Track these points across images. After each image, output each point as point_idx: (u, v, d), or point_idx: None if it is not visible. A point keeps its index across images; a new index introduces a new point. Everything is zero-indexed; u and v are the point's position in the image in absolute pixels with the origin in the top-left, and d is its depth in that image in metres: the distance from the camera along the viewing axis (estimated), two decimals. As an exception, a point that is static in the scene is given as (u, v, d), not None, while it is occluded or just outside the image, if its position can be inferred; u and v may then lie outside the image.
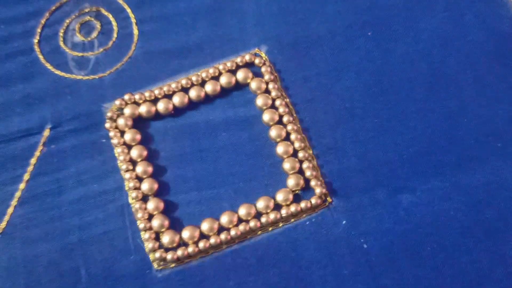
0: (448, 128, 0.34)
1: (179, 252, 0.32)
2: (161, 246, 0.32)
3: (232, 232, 0.32)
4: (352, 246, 0.32)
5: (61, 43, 0.38)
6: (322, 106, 0.36)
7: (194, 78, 0.36)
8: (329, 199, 0.33)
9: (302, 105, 0.36)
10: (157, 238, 0.33)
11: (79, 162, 0.34)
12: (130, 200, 0.33)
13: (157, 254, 0.32)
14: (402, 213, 0.33)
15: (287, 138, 0.35)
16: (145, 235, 0.32)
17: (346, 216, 0.33)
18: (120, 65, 0.37)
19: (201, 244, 0.32)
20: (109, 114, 0.35)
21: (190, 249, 0.32)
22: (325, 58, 0.37)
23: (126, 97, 0.36)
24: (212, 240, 0.32)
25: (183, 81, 0.36)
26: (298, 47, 0.37)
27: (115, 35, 0.38)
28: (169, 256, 0.32)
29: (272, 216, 0.33)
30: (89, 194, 0.34)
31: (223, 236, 0.32)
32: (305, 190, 0.34)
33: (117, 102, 0.35)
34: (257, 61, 0.36)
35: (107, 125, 0.35)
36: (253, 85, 0.36)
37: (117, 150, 0.34)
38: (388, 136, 0.35)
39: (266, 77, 0.36)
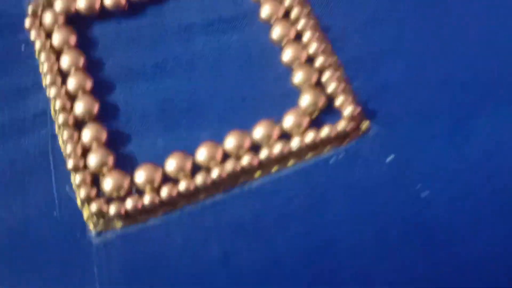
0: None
1: (129, 204, 0.20)
2: (100, 195, 0.20)
3: (214, 173, 0.20)
4: (403, 196, 0.20)
5: None
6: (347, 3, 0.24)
7: (159, -39, 0.24)
8: (365, 123, 0.22)
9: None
10: (96, 183, 0.21)
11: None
12: (57, 130, 0.22)
13: (94, 207, 0.20)
14: (471, 150, 0.21)
15: (298, 40, 0.23)
16: (76, 178, 0.20)
17: (391, 150, 0.21)
18: None
19: (165, 192, 0.20)
20: (31, 8, 0.23)
21: (147, 198, 0.20)
22: None
23: (58, -16, 0.24)
24: (183, 185, 0.20)
25: (143, -35, 0.24)
26: None
27: None
28: (112, 209, 0.20)
29: (276, 148, 0.21)
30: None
31: (199, 178, 0.20)
32: (327, 114, 0.22)
33: (44, -9, 0.24)
34: None
35: (27, 23, 0.23)
36: (246, -31, 0.24)
37: (41, 57, 0.23)
38: (445, 44, 0.23)
39: (265, -42, 0.24)
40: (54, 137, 0.22)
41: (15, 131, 0.22)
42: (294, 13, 0.23)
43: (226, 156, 0.21)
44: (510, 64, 0.22)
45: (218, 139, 0.21)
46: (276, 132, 0.21)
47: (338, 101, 0.22)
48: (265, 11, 0.23)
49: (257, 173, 0.21)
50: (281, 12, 0.23)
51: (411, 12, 0.23)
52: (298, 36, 0.23)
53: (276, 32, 0.23)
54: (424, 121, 0.22)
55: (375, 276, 0.20)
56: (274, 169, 0.21)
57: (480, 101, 0.22)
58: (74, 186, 0.20)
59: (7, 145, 0.21)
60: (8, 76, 0.23)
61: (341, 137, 0.21)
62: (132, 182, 0.20)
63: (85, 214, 0.20)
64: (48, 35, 0.23)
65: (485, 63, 0.22)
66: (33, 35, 0.23)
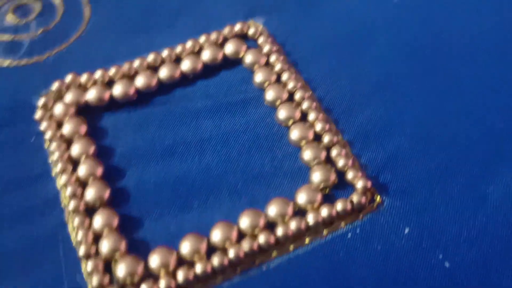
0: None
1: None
2: (114, 282, 0.19)
3: (231, 254, 0.20)
4: (426, 266, 0.20)
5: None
6: (346, 80, 0.25)
7: (165, 54, 0.26)
8: (377, 197, 0.22)
9: (317, 81, 0.25)
10: (108, 269, 0.20)
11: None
12: (67, 216, 0.21)
13: (107, 295, 0.19)
14: (491, 211, 0.21)
15: (303, 121, 0.24)
16: (88, 266, 0.19)
17: (407, 221, 0.21)
18: (64, 47, 0.27)
19: (181, 275, 0.19)
20: (41, 101, 0.24)
21: (163, 283, 0.19)
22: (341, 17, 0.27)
23: (68, 78, 0.25)
24: (199, 268, 0.20)
25: (150, 58, 0.26)
26: (304, 11, 0.28)
27: (59, 14, 0.28)
28: None
29: (292, 225, 0.21)
30: (6, 212, 0.21)
31: (216, 260, 0.20)
32: (339, 189, 0.22)
33: (55, 85, 0.25)
34: (251, 31, 0.27)
35: (38, 114, 0.24)
36: (249, 58, 0.26)
37: (51, 146, 0.23)
38: (450, 105, 0.24)
39: (266, 48, 0.26)
40: (64, 225, 0.21)
41: (24, 219, 0.21)
42: (297, 96, 0.24)
43: (241, 236, 0.21)
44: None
45: (232, 219, 0.21)
46: (290, 209, 0.21)
47: (350, 175, 0.22)
48: (269, 95, 0.24)
49: (274, 253, 0.20)
50: (285, 96, 0.24)
51: (412, 81, 0.25)
52: (303, 116, 0.24)
53: (282, 114, 0.24)
54: (433, 189, 0.22)
55: None
56: (291, 247, 0.20)
57: (492, 162, 0.22)
58: (85, 275, 0.19)
59: (17, 232, 0.21)
60: (18, 165, 0.23)
61: (356, 210, 0.21)
62: (145, 267, 0.20)
63: (97, 303, 0.19)
64: (59, 125, 0.24)
65: (493, 124, 0.23)
66: (43, 126, 0.23)
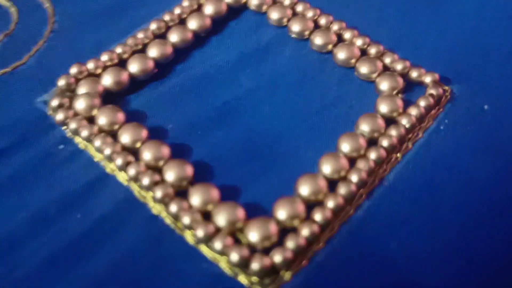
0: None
1: (290, 245, 0.17)
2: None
3: (361, 175, 0.18)
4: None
5: None
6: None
7: (167, 18, 0.23)
8: (446, 87, 0.22)
9: (328, 7, 0.24)
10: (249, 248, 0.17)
11: (36, 195, 0.18)
12: (155, 209, 0.18)
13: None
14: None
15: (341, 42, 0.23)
16: (215, 246, 0.17)
17: (481, 99, 0.21)
18: (41, 43, 0.23)
19: (319, 216, 0.17)
20: (55, 101, 0.20)
21: (305, 233, 0.17)
22: None
23: (73, 69, 0.21)
24: (331, 203, 0.18)
25: (153, 26, 0.23)
26: None
27: (13, 13, 0.24)
28: (277, 258, 0.16)
29: (394, 133, 0.20)
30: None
31: (342, 190, 0.18)
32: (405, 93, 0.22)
33: (61, 82, 0.21)
34: (241, -24, 0.25)
35: (59, 116, 0.20)
36: (255, 0, 0.24)
37: (95, 144, 0.19)
38: None
39: (266, -13, 0.24)
40: (155, 219, 0.18)
41: (107, 233, 0.17)
42: (323, 22, 0.23)
43: (352, 162, 0.19)
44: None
45: (329, 148, 0.19)
46: (381, 122, 0.20)
47: (414, 74, 0.21)
48: (296, 27, 0.23)
49: (388, 167, 0.19)
50: (311, 24, 0.23)
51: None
52: (339, 38, 0.23)
53: (319, 40, 0.22)
54: (490, 68, 0.22)
55: None
56: (399, 156, 0.19)
57: None
58: (228, 262, 0.17)
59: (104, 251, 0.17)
60: (66, 182, 0.19)
61: (435, 104, 0.21)
62: (278, 223, 0.17)
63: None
64: (89, 120, 0.20)
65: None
66: (73, 125, 0.19)
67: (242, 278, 0.17)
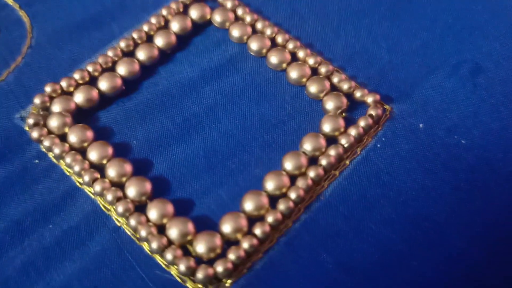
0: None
1: (232, 257, 0.19)
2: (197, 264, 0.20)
3: (292, 196, 0.21)
4: (447, 148, 0.23)
5: None
6: (311, 20, 0.26)
7: (136, 35, 0.25)
8: (386, 106, 0.24)
9: (287, 23, 0.26)
10: (187, 254, 0.20)
11: (12, 207, 0.21)
12: (118, 220, 0.20)
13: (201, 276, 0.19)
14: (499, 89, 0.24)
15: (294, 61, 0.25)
16: (166, 257, 0.19)
17: (418, 118, 0.23)
18: (19, 60, 0.25)
19: (258, 231, 0.20)
20: (31, 119, 0.22)
21: (245, 245, 0.20)
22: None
23: (48, 88, 0.23)
24: (270, 219, 0.20)
25: (122, 44, 0.25)
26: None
27: (-5, 28, 0.26)
28: (219, 269, 0.19)
29: (332, 153, 0.22)
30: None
31: (282, 206, 0.21)
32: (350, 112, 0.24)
33: (36, 100, 0.23)
34: (207, -8, 0.26)
35: (34, 134, 0.22)
36: (218, 17, 0.26)
37: (66, 161, 0.21)
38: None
39: (229, 4, 0.26)
40: (117, 230, 0.20)
41: (73, 243, 0.20)
42: (280, 40, 0.25)
43: (292, 179, 0.21)
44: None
45: (274, 167, 0.22)
46: (322, 141, 0.22)
47: (358, 94, 0.23)
48: (254, 45, 0.25)
49: (325, 183, 0.22)
50: (268, 43, 0.25)
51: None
52: (292, 56, 0.25)
53: (274, 59, 0.24)
54: (427, 83, 0.24)
55: None
56: (337, 173, 0.22)
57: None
58: (176, 269, 0.19)
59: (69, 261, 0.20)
60: (42, 194, 0.21)
61: (375, 123, 0.23)
62: (223, 237, 0.20)
63: None
64: (61, 138, 0.22)
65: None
66: (46, 143, 0.22)
67: (190, 285, 0.19)
